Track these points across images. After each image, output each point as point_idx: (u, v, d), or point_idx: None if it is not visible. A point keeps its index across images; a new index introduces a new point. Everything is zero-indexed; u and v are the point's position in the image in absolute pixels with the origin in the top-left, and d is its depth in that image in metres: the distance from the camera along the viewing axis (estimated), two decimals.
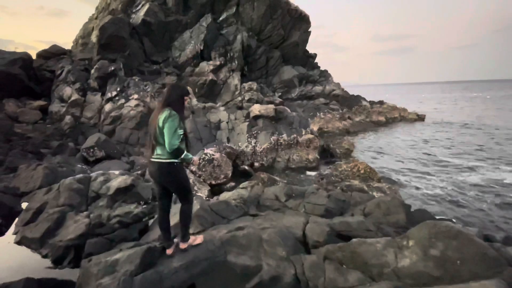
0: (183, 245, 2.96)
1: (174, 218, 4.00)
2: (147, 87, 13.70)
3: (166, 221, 2.96)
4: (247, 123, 12.39)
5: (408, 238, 2.63)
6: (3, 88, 12.58)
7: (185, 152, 2.70)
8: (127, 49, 14.82)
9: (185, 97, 2.83)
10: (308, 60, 24.26)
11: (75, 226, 4.06)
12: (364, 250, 2.69)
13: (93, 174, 5.38)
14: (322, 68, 24.56)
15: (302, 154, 11.72)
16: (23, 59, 13.73)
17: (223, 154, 9.65)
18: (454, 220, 5.42)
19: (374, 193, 6.92)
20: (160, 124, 2.63)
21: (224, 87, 16.59)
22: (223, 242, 3.17)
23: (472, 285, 2.17)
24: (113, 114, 12.27)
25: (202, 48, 16.83)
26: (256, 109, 12.74)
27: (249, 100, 15.41)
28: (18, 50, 15.02)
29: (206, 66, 16.55)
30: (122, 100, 12.71)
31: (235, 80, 16.62)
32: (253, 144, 11.50)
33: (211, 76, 16.21)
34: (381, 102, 26.96)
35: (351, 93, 25.00)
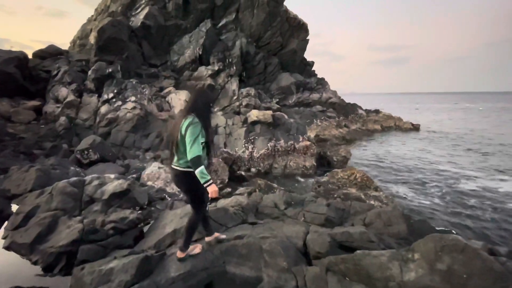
0: (180, 254, 2.86)
1: (176, 222, 3.90)
2: (144, 90, 13.60)
3: (203, 220, 3.14)
4: (244, 128, 12.33)
5: (413, 251, 2.57)
6: None
7: (203, 168, 2.44)
8: (126, 51, 14.73)
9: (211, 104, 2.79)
10: (306, 67, 24.42)
11: (67, 231, 3.91)
12: (368, 263, 2.62)
13: (88, 178, 5.24)
14: (319, 76, 24.74)
15: (299, 160, 11.68)
16: (19, 58, 13.50)
17: (220, 159, 9.57)
18: (454, 232, 5.39)
19: (372, 202, 6.87)
20: (183, 131, 2.55)
21: (222, 92, 16.56)
22: (222, 251, 3.08)
23: None
24: (109, 116, 12.11)
25: (201, 52, 16.83)
26: (254, 114, 12.71)
27: (247, 106, 15.39)
28: (14, 49, 14.83)
29: (204, 71, 16.53)
30: (119, 102, 12.57)
31: (233, 85, 16.60)
32: (250, 150, 11.44)
33: (209, 81, 16.18)
34: (377, 111, 27.23)
35: (347, 101, 25.20)
